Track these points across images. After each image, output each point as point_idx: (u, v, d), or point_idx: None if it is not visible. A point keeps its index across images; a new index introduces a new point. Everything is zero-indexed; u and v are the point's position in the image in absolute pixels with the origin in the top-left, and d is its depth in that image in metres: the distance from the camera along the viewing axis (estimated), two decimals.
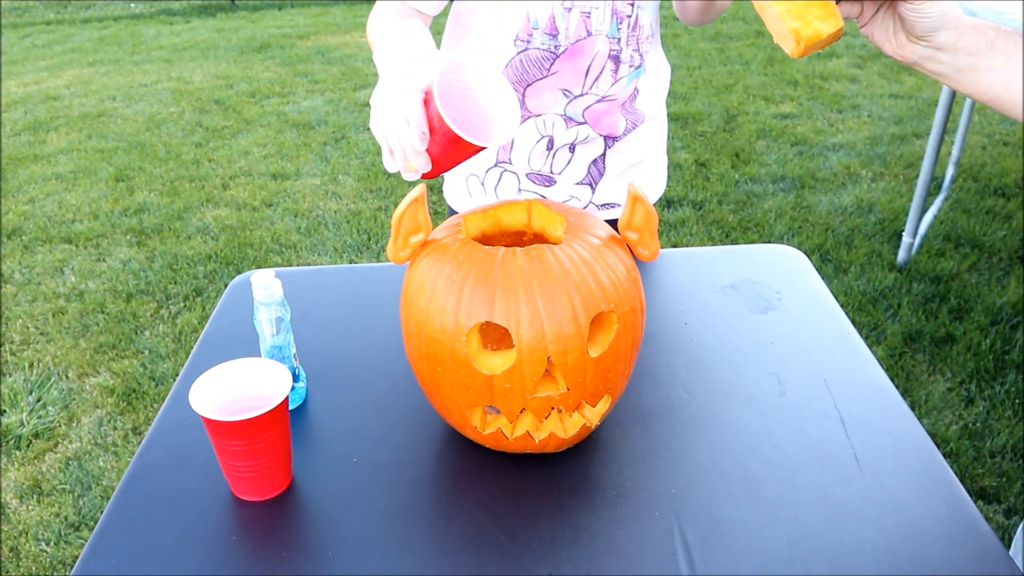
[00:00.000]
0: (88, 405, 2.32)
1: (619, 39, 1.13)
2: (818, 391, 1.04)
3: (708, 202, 3.34)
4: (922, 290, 2.65)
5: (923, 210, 2.76)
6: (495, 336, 0.94)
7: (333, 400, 1.06)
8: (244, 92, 5.14)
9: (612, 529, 0.85)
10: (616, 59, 1.14)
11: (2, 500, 2.00)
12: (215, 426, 0.85)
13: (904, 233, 2.82)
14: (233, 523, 0.88)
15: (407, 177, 0.89)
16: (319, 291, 1.32)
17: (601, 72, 1.14)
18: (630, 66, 1.16)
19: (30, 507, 1.97)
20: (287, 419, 0.89)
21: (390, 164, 0.89)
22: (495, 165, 1.25)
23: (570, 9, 1.09)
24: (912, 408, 2.09)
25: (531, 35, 1.11)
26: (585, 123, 1.18)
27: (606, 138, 1.21)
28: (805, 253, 2.38)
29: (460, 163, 0.91)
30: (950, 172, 3.38)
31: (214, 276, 2.98)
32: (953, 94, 2.52)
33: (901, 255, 2.82)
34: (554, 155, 1.22)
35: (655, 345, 1.14)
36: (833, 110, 4.31)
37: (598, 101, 1.16)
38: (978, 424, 2.08)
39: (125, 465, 2.08)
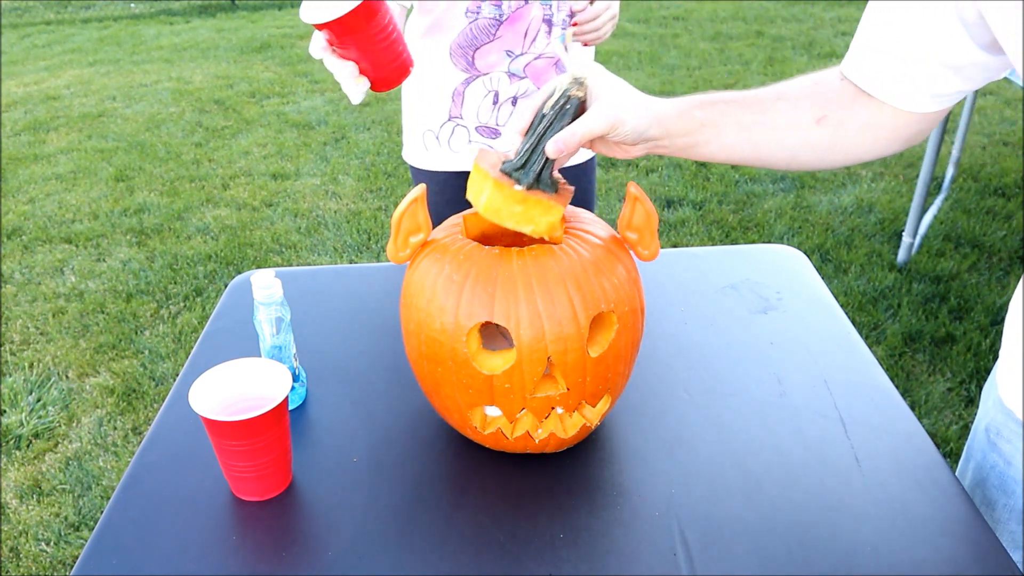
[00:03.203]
0: (88, 405, 2.32)
1: (551, 4, 1.33)
2: (818, 391, 1.04)
3: (708, 202, 3.34)
4: (922, 290, 2.65)
5: (923, 210, 2.76)
6: (490, 335, 0.94)
7: (333, 400, 1.06)
8: (244, 92, 5.14)
9: (612, 529, 0.85)
10: (549, 22, 1.34)
11: (2, 500, 2.00)
12: (215, 426, 0.85)
13: (904, 233, 2.82)
14: (233, 523, 0.88)
15: (357, 95, 1.01)
16: (319, 291, 1.32)
17: (537, 34, 1.34)
18: (561, 28, 1.36)
19: (30, 507, 1.97)
20: (287, 419, 0.89)
21: (359, 84, 1.01)
22: (448, 120, 1.43)
23: None
24: (912, 408, 2.09)
25: (480, 7, 1.31)
26: (526, 77, 1.38)
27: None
28: (805, 253, 2.38)
29: (386, 45, 1.00)
30: (950, 172, 3.38)
31: (214, 276, 2.98)
32: None
33: (901, 255, 2.83)
34: (499, 108, 1.41)
35: (655, 345, 1.14)
36: None
37: (536, 59, 1.36)
38: None
39: (125, 465, 2.08)
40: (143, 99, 5.10)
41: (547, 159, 0.85)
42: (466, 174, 1.48)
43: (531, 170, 0.85)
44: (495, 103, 1.40)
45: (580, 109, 0.83)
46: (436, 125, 1.45)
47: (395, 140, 4.20)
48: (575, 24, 1.33)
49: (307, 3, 0.96)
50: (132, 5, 8.42)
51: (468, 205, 1.30)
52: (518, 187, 0.84)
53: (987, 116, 4.12)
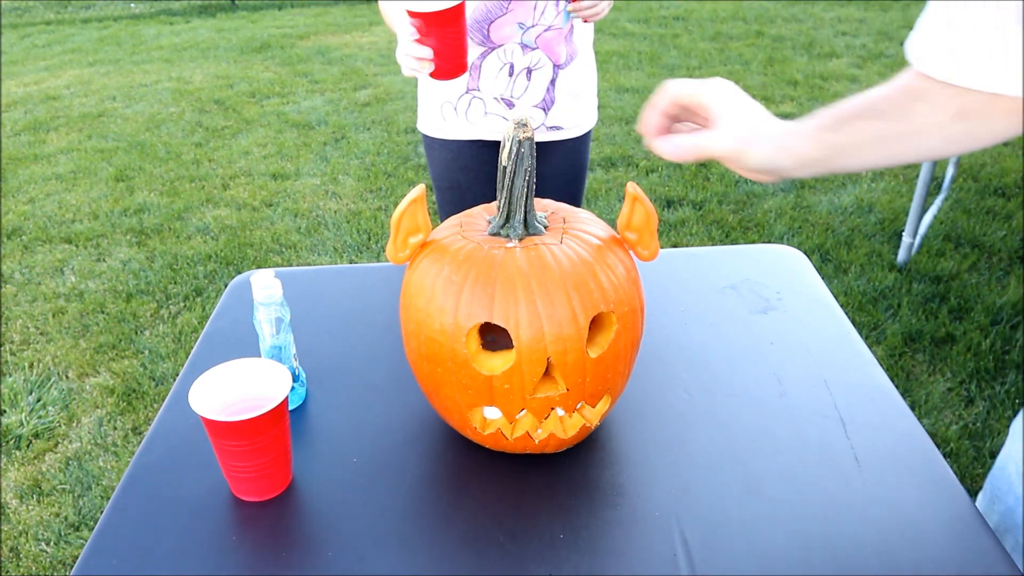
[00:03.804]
0: (88, 405, 2.32)
1: None
2: (818, 391, 1.04)
3: (708, 202, 3.34)
4: (922, 290, 2.65)
5: (923, 210, 2.76)
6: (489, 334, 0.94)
7: (333, 400, 1.06)
8: (244, 92, 5.14)
9: (612, 529, 0.85)
10: None
11: (2, 500, 2.00)
12: (215, 426, 0.85)
13: (904, 233, 2.82)
14: (233, 523, 0.88)
15: (413, 72, 1.29)
16: (319, 291, 1.32)
17: (546, 7, 1.45)
18: (567, 1, 1.46)
19: (30, 507, 1.98)
20: (287, 419, 0.89)
21: (423, 68, 1.27)
22: (466, 92, 1.54)
23: None
24: (912, 408, 2.09)
25: None
26: (537, 48, 1.49)
27: (554, 66, 1.52)
28: (805, 253, 2.38)
29: (458, 44, 1.26)
30: (950, 172, 3.38)
31: (214, 276, 2.98)
32: None
33: (901, 255, 2.82)
34: (515, 80, 1.52)
35: (655, 345, 1.14)
36: None
37: (546, 30, 1.47)
38: (978, 424, 2.08)
39: (125, 465, 2.08)
40: (143, 99, 5.10)
41: (527, 208, 0.87)
42: (480, 143, 1.60)
43: (515, 222, 0.88)
44: (511, 75, 1.51)
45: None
46: (454, 97, 1.55)
47: (395, 140, 4.20)
48: (575, 3, 1.43)
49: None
50: (132, 5, 8.42)
51: (480, 171, 1.59)
52: (511, 244, 0.87)
53: None
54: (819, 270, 2.79)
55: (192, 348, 1.36)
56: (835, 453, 0.94)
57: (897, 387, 1.31)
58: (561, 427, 0.89)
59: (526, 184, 0.86)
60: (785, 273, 1.32)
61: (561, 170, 1.66)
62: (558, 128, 1.59)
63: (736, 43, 5.62)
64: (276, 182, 3.78)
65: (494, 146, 1.61)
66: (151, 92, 5.23)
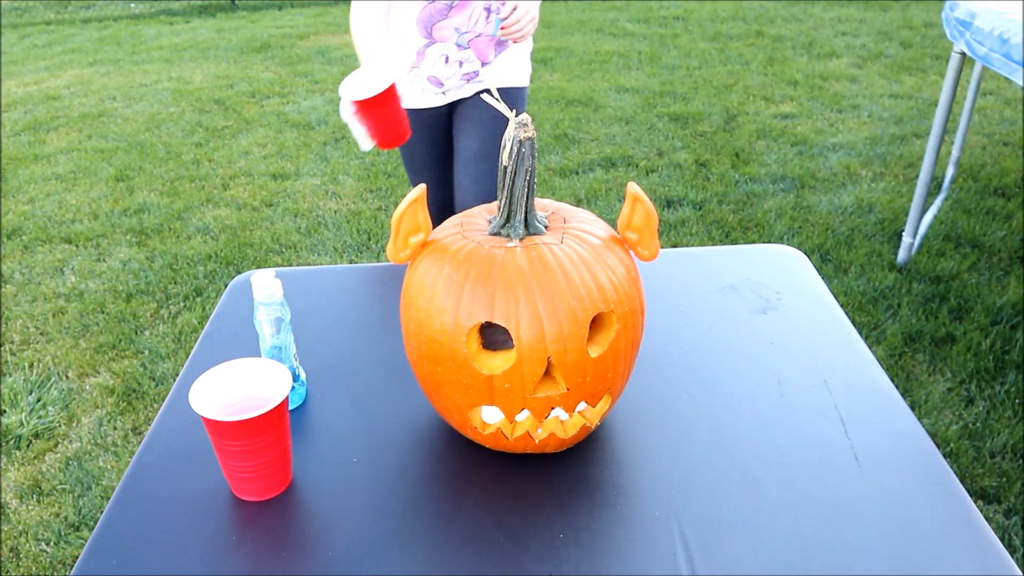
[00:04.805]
0: (88, 405, 2.32)
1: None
2: (818, 391, 1.04)
3: (708, 202, 3.34)
4: (922, 290, 2.65)
5: (923, 210, 2.76)
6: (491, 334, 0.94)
7: (333, 400, 1.06)
8: (244, 92, 5.14)
9: (612, 529, 0.85)
10: (488, 9, 1.72)
11: (2, 500, 2.00)
12: (215, 426, 0.85)
13: (904, 233, 2.82)
14: (233, 523, 0.88)
15: (366, 146, 1.48)
16: (319, 291, 1.32)
17: (479, 19, 1.73)
18: (496, 14, 1.72)
19: (30, 507, 1.97)
20: (287, 419, 0.89)
21: (362, 145, 1.49)
22: (410, 70, 1.83)
23: None
24: (912, 408, 2.09)
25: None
26: (469, 48, 1.78)
27: (482, 63, 1.82)
28: (805, 253, 2.38)
29: (393, 127, 1.48)
30: (950, 172, 3.38)
31: (214, 276, 2.97)
32: (953, 94, 2.52)
33: (901, 255, 2.82)
34: (448, 67, 1.81)
35: (655, 345, 1.14)
36: (833, 110, 4.31)
37: (477, 36, 1.76)
38: (978, 424, 2.08)
39: (125, 465, 2.08)
40: (143, 99, 5.10)
41: (527, 208, 0.88)
42: (414, 111, 1.89)
43: (516, 222, 0.88)
44: (446, 62, 1.81)
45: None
46: (405, 73, 1.85)
47: None
48: (504, 28, 1.69)
49: (345, 84, 1.42)
50: (132, 5, 8.42)
51: (420, 135, 1.94)
52: (512, 244, 0.87)
53: (987, 116, 4.12)
54: (819, 270, 2.79)
55: (192, 348, 1.36)
56: (835, 453, 0.94)
57: (897, 387, 1.31)
58: (561, 427, 0.89)
59: (527, 184, 0.86)
60: (785, 273, 1.32)
61: (493, 115, 1.91)
62: (480, 81, 1.88)
63: (736, 43, 5.62)
64: (276, 182, 3.78)
65: (424, 112, 1.91)
66: (151, 92, 5.23)
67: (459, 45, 1.78)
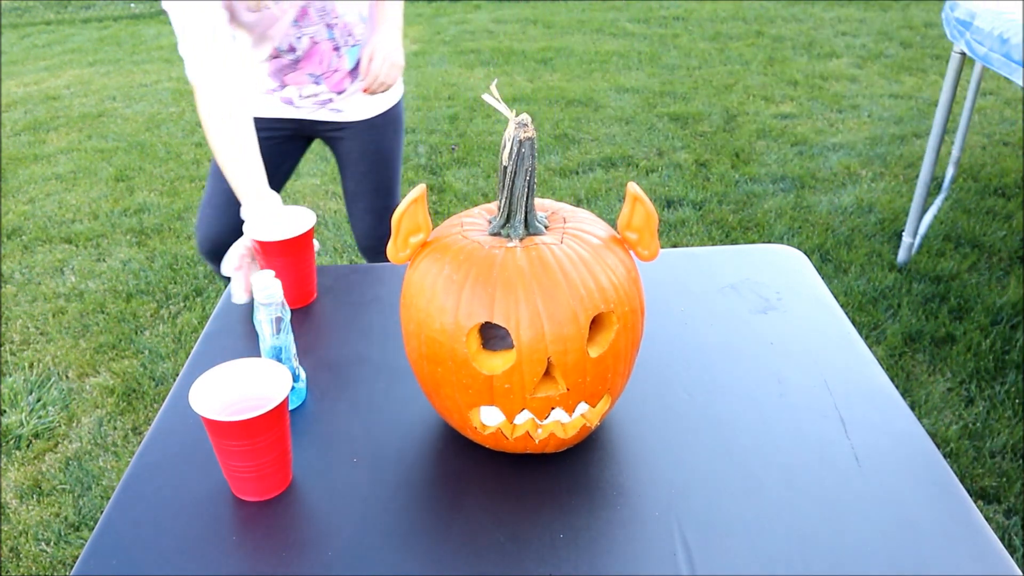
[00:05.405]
0: (88, 405, 2.32)
1: (334, 37, 1.62)
2: (818, 391, 1.04)
3: (708, 202, 3.34)
4: (922, 290, 2.65)
5: (923, 210, 2.76)
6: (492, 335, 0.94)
7: (333, 400, 1.06)
8: None
9: (612, 529, 0.85)
10: (337, 48, 1.63)
11: (2, 500, 2.00)
12: (215, 426, 0.85)
13: (904, 233, 2.82)
14: (233, 523, 0.88)
15: (241, 299, 1.25)
16: (319, 291, 1.32)
17: (331, 59, 1.64)
18: (347, 46, 1.64)
19: (30, 507, 1.97)
20: (287, 419, 0.89)
21: (236, 297, 1.26)
22: (271, 92, 1.70)
23: (300, 38, 1.58)
24: (912, 408, 2.09)
25: (278, 54, 1.60)
26: (323, 84, 1.68)
27: (336, 92, 1.71)
28: (805, 253, 2.38)
29: (303, 279, 1.27)
30: (950, 172, 3.38)
31: (214, 276, 2.97)
32: (953, 94, 2.52)
33: (901, 255, 2.82)
34: (302, 101, 1.71)
35: (655, 345, 1.14)
36: (833, 110, 4.31)
37: (334, 72, 1.67)
38: (978, 424, 2.08)
39: (125, 465, 2.08)
40: (143, 99, 5.10)
41: (527, 208, 0.87)
42: (265, 120, 1.73)
43: (516, 222, 0.88)
44: (301, 97, 1.70)
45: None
46: (263, 90, 1.72)
47: None
48: (366, 90, 1.62)
49: (253, 224, 1.22)
50: (132, 5, 8.42)
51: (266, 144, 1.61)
52: (512, 244, 0.87)
53: (987, 116, 4.12)
54: (819, 270, 2.79)
55: (192, 348, 1.36)
56: (835, 453, 0.94)
57: (897, 387, 1.31)
58: (561, 427, 0.89)
59: (527, 184, 0.86)
60: (785, 273, 1.32)
61: (360, 145, 1.79)
62: (339, 111, 1.76)
63: (736, 43, 5.62)
64: None
65: (273, 121, 1.74)
66: (151, 92, 5.23)
67: (315, 83, 1.68)
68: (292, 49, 1.60)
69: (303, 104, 1.72)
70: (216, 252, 1.74)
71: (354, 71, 1.69)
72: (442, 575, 0.80)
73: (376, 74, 1.59)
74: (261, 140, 1.58)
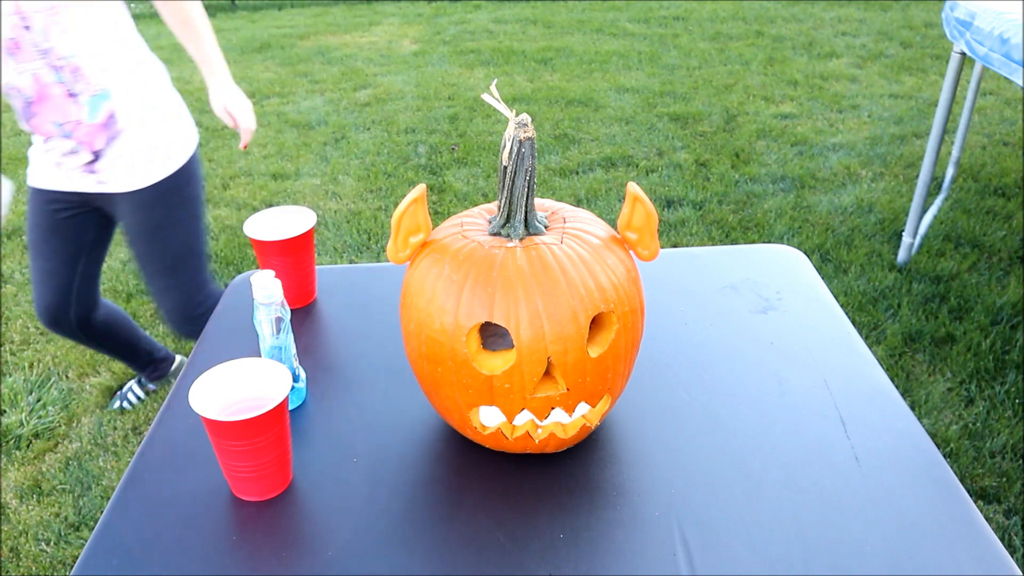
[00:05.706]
0: (88, 405, 2.32)
1: (64, 81, 1.50)
2: (818, 391, 1.04)
3: (708, 202, 3.34)
4: (922, 290, 2.65)
5: (923, 210, 2.76)
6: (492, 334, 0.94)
7: (333, 400, 1.06)
8: (244, 92, 5.13)
9: (612, 529, 0.85)
10: (73, 95, 1.51)
11: (2, 500, 2.00)
12: (215, 426, 0.85)
13: (904, 233, 2.82)
14: (233, 523, 0.88)
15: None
16: (320, 291, 1.32)
17: (67, 107, 1.53)
18: (87, 95, 1.52)
19: (30, 507, 1.97)
20: (287, 419, 0.89)
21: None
22: (40, 147, 1.63)
23: (21, 74, 1.48)
24: (912, 408, 2.09)
25: (10, 91, 1.52)
26: (73, 139, 1.57)
27: (92, 152, 1.59)
28: (805, 253, 2.38)
29: (303, 279, 1.26)
30: (950, 172, 3.38)
31: (214, 276, 2.97)
32: (953, 94, 2.52)
33: (901, 255, 2.82)
34: (59, 155, 1.61)
35: (655, 345, 1.14)
36: (833, 110, 4.31)
37: (79, 124, 1.55)
38: (978, 424, 2.08)
39: (125, 465, 2.08)
40: None
41: (527, 207, 0.87)
42: (38, 190, 1.71)
43: (516, 222, 0.88)
44: (61, 154, 1.60)
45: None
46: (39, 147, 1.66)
47: (395, 140, 4.20)
48: (244, 147, 1.71)
49: (253, 223, 1.20)
50: (132, 5, 8.42)
51: (37, 219, 1.74)
52: (511, 244, 0.86)
53: (987, 116, 4.12)
54: (819, 270, 2.79)
55: (192, 348, 1.36)
56: (835, 453, 0.94)
57: (897, 387, 1.31)
58: (561, 427, 0.89)
59: (526, 184, 0.86)
60: (785, 273, 1.32)
61: (135, 222, 1.68)
62: (103, 183, 1.65)
63: (736, 43, 5.62)
64: (276, 182, 3.78)
65: (58, 195, 1.70)
66: None
67: (65, 136, 1.56)
68: (20, 89, 1.51)
69: (64, 162, 1.61)
70: (56, 321, 1.83)
71: (107, 125, 1.56)
72: (442, 575, 0.80)
73: (249, 129, 1.68)
74: (52, 213, 1.70)
